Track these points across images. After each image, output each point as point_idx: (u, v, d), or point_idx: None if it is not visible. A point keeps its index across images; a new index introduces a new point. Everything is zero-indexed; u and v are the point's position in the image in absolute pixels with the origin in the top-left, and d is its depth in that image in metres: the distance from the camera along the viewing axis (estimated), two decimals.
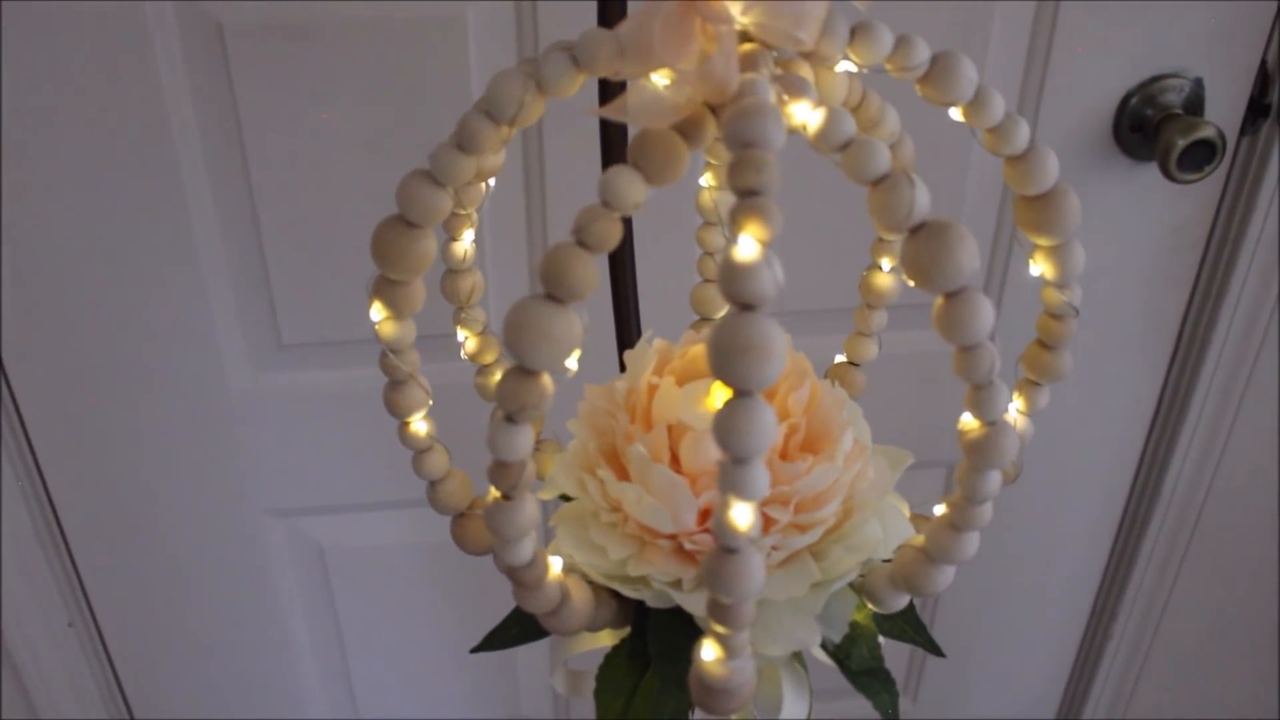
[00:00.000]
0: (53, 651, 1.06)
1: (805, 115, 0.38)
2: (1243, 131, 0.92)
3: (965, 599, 1.17)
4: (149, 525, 1.01)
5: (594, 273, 0.36)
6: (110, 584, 1.05)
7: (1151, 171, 0.91)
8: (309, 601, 1.11)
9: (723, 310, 0.60)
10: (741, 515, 0.34)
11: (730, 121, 0.35)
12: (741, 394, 0.33)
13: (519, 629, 0.53)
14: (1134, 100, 0.89)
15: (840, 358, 0.59)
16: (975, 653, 1.23)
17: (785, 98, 0.38)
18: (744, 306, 0.33)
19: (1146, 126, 0.89)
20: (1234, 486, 1.12)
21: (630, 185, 0.37)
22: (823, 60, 0.40)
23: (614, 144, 0.61)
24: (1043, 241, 0.45)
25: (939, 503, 0.50)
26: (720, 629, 0.37)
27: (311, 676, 1.16)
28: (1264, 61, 0.90)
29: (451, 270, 0.54)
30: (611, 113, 0.39)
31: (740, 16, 0.37)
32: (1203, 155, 0.86)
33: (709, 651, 0.38)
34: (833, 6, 0.38)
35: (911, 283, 0.38)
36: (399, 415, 0.49)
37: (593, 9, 0.75)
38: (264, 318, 0.92)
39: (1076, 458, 1.09)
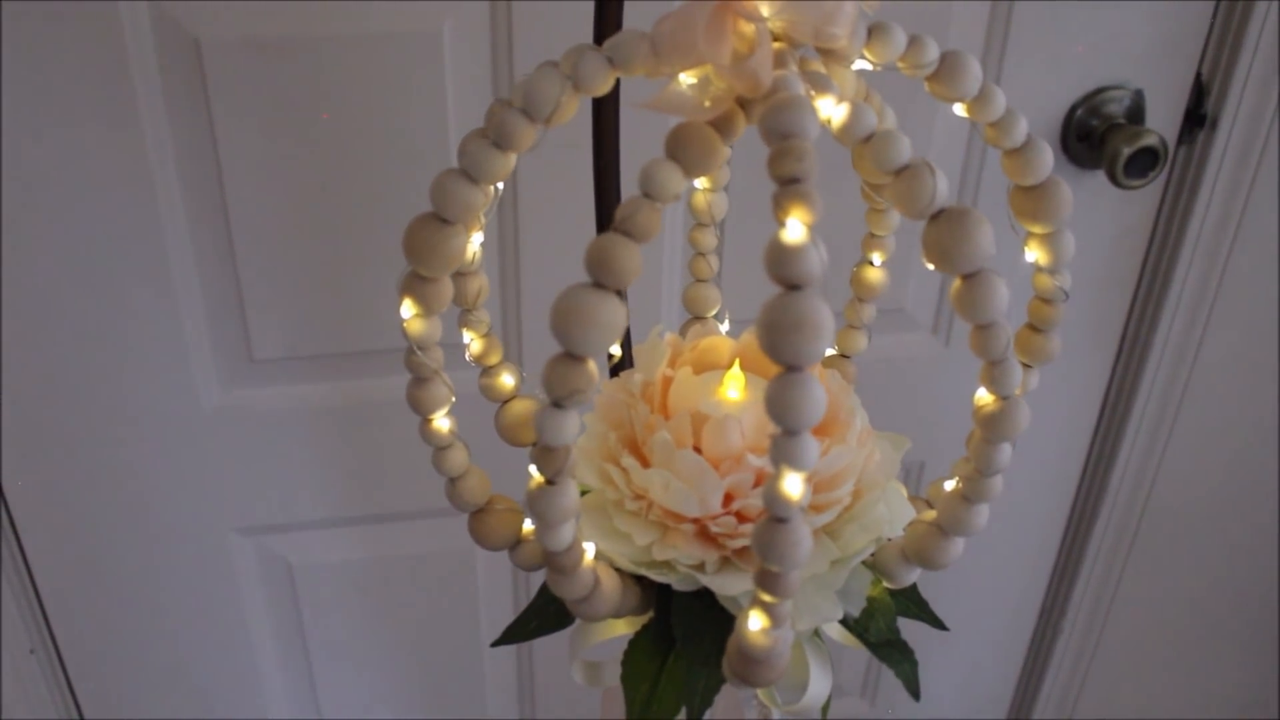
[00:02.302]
0: (13, 681, 1.04)
1: (830, 110, 0.41)
2: (1180, 140, 0.97)
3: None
4: (113, 545, 1.00)
5: (638, 261, 0.38)
6: (73, 607, 1.03)
7: (1097, 179, 0.95)
8: (277, 620, 1.10)
9: (715, 310, 0.62)
10: (793, 485, 0.36)
11: (769, 115, 0.37)
12: (792, 369, 0.35)
13: (538, 621, 0.54)
14: (1079, 112, 0.93)
15: (831, 350, 0.61)
16: (929, 654, 1.25)
17: (812, 93, 0.41)
18: (792, 286, 0.35)
19: (1092, 136, 0.93)
20: (1177, 482, 1.16)
21: (670, 177, 0.39)
22: (841, 59, 0.42)
23: (607, 147, 0.63)
24: (1037, 229, 0.48)
25: (948, 478, 0.53)
26: (768, 597, 0.38)
27: (279, 696, 1.15)
28: (1199, 74, 0.94)
29: (459, 272, 0.55)
30: (656, 106, 0.41)
31: (772, 16, 0.39)
32: (1147, 162, 0.90)
33: (755, 621, 0.39)
34: (858, 7, 0.40)
35: (931, 265, 0.40)
36: (423, 412, 0.50)
37: (569, 24, 0.78)
38: (235, 332, 0.92)
39: (1026, 457, 1.12)
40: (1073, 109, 0.93)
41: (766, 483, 0.36)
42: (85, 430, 0.93)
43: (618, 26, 0.57)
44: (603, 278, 0.38)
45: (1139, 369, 1.08)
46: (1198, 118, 0.96)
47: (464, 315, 0.56)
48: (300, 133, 0.83)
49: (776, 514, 0.37)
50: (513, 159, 0.45)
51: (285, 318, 0.92)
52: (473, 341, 0.56)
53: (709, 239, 0.60)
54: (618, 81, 0.57)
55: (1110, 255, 1.02)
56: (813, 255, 0.35)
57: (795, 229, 0.35)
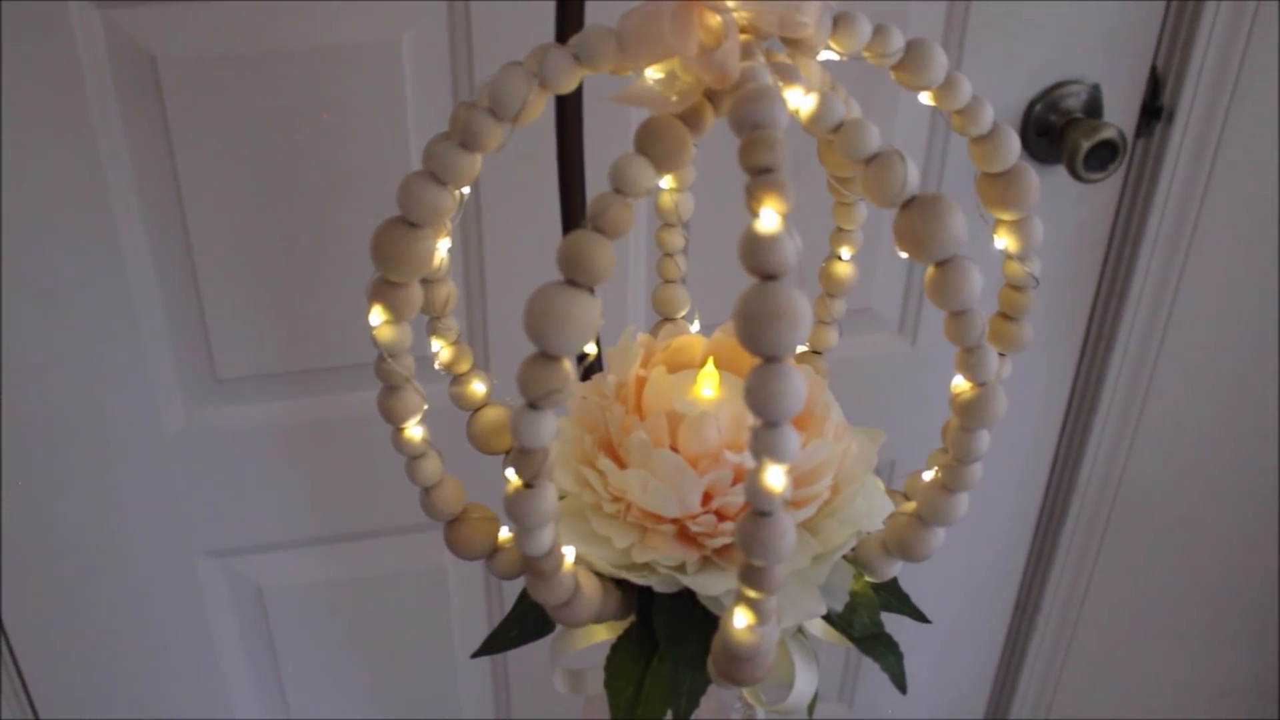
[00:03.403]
0: None
1: (799, 100, 0.41)
2: (1138, 134, 0.98)
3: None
4: (78, 571, 0.98)
5: (611, 257, 0.38)
6: (38, 635, 1.02)
7: (1058, 174, 0.96)
8: (248, 643, 1.08)
9: (684, 310, 0.62)
10: (775, 478, 0.36)
11: (738, 106, 0.37)
12: (771, 360, 0.35)
13: (519, 630, 0.53)
14: (1038, 107, 0.94)
15: (802, 347, 0.61)
16: (903, 649, 1.26)
17: (780, 84, 0.40)
18: (768, 276, 0.35)
19: (1051, 131, 0.94)
20: (1145, 475, 1.17)
21: (641, 172, 0.39)
22: (807, 50, 0.42)
23: (571, 158, 0.63)
24: (1006, 216, 0.48)
25: (926, 469, 0.53)
26: (753, 593, 0.38)
27: None
28: (1154, 67, 0.95)
29: (426, 279, 0.54)
30: (627, 99, 0.40)
31: (737, 7, 0.39)
32: (1107, 155, 0.91)
33: (740, 619, 0.39)
34: None
35: (904, 254, 0.40)
36: (395, 421, 0.49)
37: (529, 30, 0.77)
38: (198, 352, 0.90)
39: (996, 452, 1.12)
40: (1031, 104, 0.94)
41: (748, 476, 0.36)
42: (45, 454, 0.92)
43: (580, 26, 0.56)
44: (576, 275, 0.37)
45: (1104, 362, 1.09)
46: (1154, 110, 0.97)
47: (432, 323, 0.55)
48: (260, 147, 0.82)
49: (759, 507, 0.36)
50: (479, 160, 0.45)
51: (249, 336, 0.90)
52: (442, 349, 0.56)
53: (676, 239, 0.59)
54: (580, 83, 0.57)
55: (1072, 250, 1.02)
56: (788, 244, 0.35)
57: (769, 219, 0.35)
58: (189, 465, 0.95)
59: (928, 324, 1.03)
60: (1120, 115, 0.96)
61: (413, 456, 0.50)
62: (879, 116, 0.92)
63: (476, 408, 0.57)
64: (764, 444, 0.35)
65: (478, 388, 0.56)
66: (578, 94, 0.61)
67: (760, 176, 0.36)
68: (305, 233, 0.86)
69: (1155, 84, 0.96)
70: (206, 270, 0.87)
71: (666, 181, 0.58)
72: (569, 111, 0.61)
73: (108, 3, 0.76)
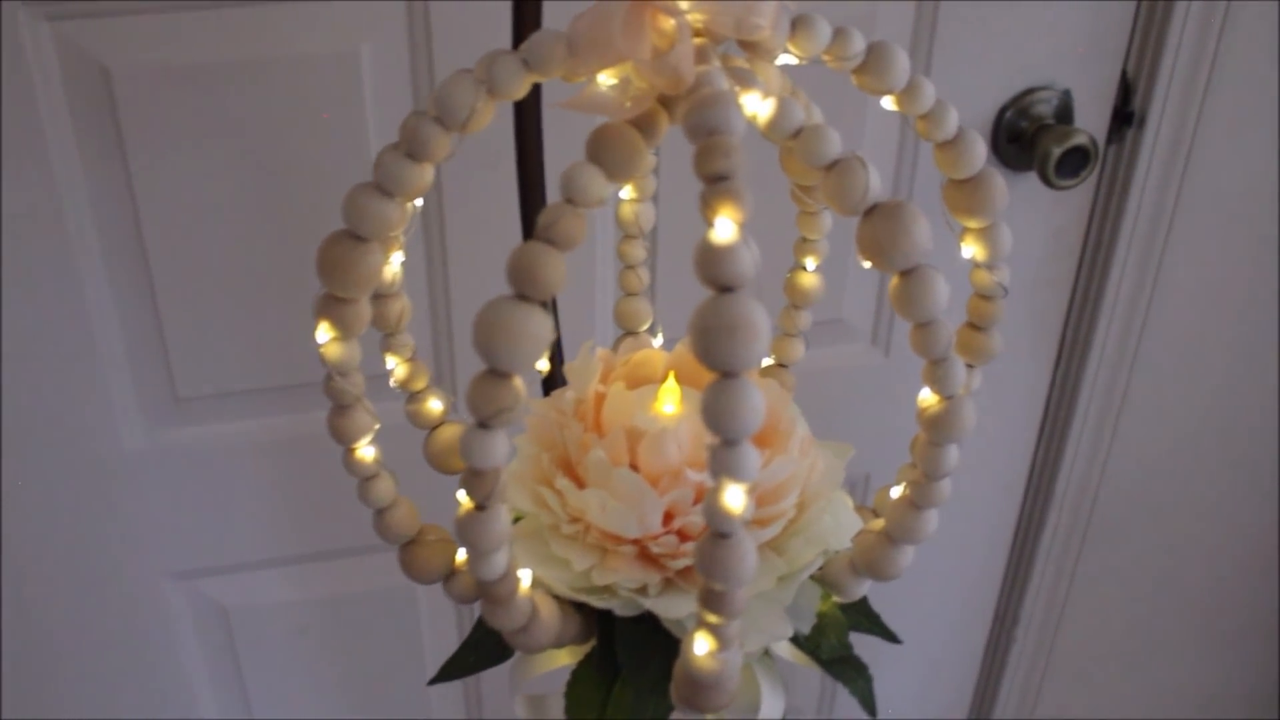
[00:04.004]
0: None
1: (756, 105, 0.39)
2: (1110, 139, 0.97)
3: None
4: (38, 594, 0.96)
5: (562, 270, 0.36)
6: None
7: (1030, 180, 0.95)
8: (213, 667, 1.06)
9: (647, 324, 0.60)
10: (735, 498, 0.34)
11: (692, 111, 0.36)
12: (728, 375, 0.33)
13: (476, 655, 0.51)
14: (1008, 113, 0.93)
15: (768, 360, 0.59)
16: (883, 664, 1.24)
17: (737, 89, 0.39)
18: (724, 288, 0.33)
19: (1022, 137, 0.93)
20: (1122, 483, 1.16)
21: (592, 181, 0.37)
22: (765, 53, 0.41)
23: (531, 166, 0.61)
24: (972, 224, 0.47)
25: (894, 486, 0.51)
26: (714, 618, 0.37)
27: None
28: (1125, 72, 0.95)
29: (380, 294, 0.53)
30: (577, 106, 0.39)
31: (691, 8, 0.38)
32: (1078, 161, 0.90)
33: (701, 645, 0.37)
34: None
35: (867, 263, 0.39)
36: (345, 441, 0.47)
37: (490, 38, 0.76)
38: (157, 370, 0.88)
39: (971, 462, 1.11)
40: (1002, 111, 0.93)
41: (707, 496, 0.35)
42: (1, 475, 0.89)
43: (537, 28, 0.55)
44: (526, 289, 0.36)
45: (1080, 370, 1.08)
46: (1125, 116, 0.96)
47: (386, 339, 0.54)
48: (218, 161, 0.81)
49: (718, 529, 0.35)
50: (429, 171, 0.43)
51: (210, 353, 0.89)
52: (397, 366, 0.54)
53: (638, 251, 0.58)
54: (538, 89, 0.56)
55: (1045, 257, 1.02)
56: (744, 255, 0.34)
57: (725, 228, 0.34)
58: (150, 485, 0.93)
59: (900, 335, 1.02)
60: (1092, 121, 0.95)
61: (364, 478, 0.49)
62: (848, 122, 0.91)
63: (433, 426, 0.55)
64: (722, 463, 0.34)
65: (434, 405, 0.54)
66: (536, 100, 0.59)
67: (715, 184, 0.35)
68: (265, 247, 0.85)
69: (1126, 89, 0.96)
70: (165, 286, 0.85)
71: (627, 192, 0.57)
72: (527, 118, 0.60)
73: (59, 17, 0.74)
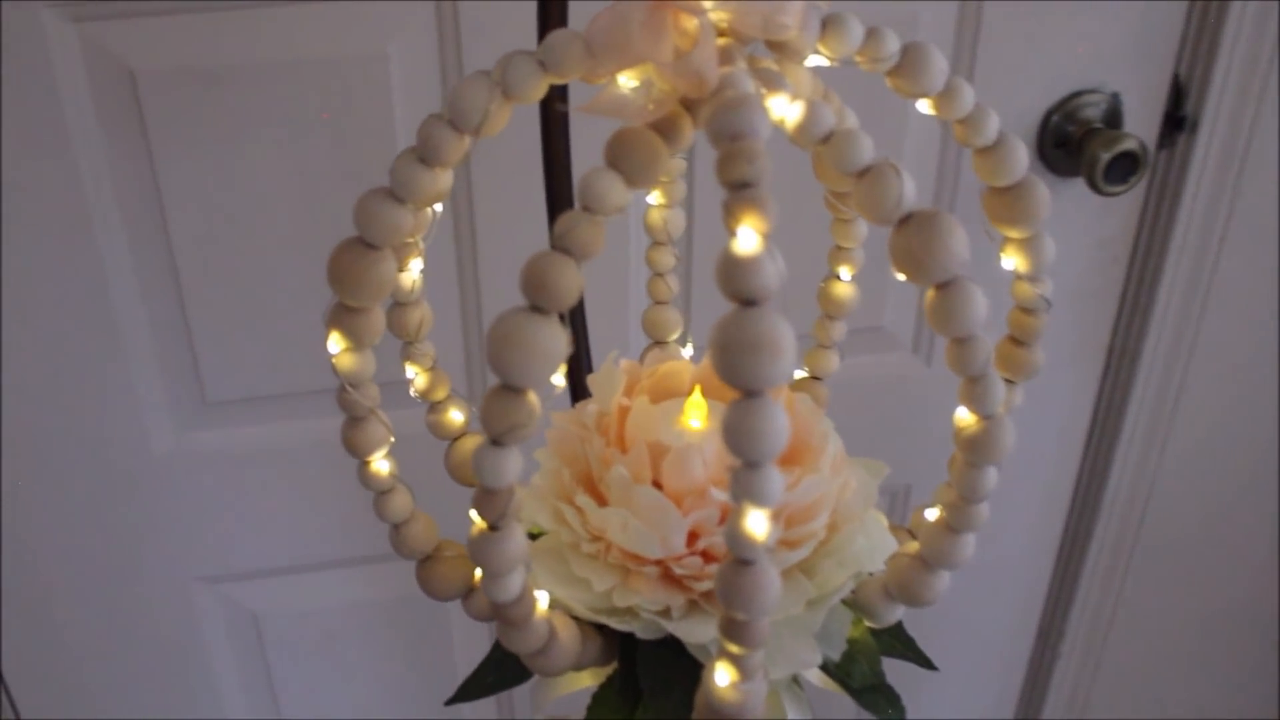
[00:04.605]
0: None
1: (784, 109, 0.37)
2: (1160, 144, 0.94)
3: (908, 627, 1.16)
4: (68, 599, 0.96)
5: (578, 281, 0.35)
6: (29, 665, 0.99)
7: (1077, 186, 0.92)
8: (244, 672, 1.05)
9: (676, 333, 0.59)
10: (757, 524, 0.32)
11: (716, 115, 0.34)
12: (751, 394, 0.32)
13: (495, 675, 0.50)
14: (1055, 117, 0.90)
15: (801, 373, 0.57)
16: (920, 684, 1.22)
17: (764, 91, 0.37)
18: (747, 302, 0.32)
19: (1069, 142, 0.90)
20: (1173, 497, 1.13)
21: (611, 187, 0.35)
22: (794, 54, 0.39)
23: (556, 159, 0.60)
24: (1014, 234, 0.45)
25: (929, 508, 0.49)
26: (735, 649, 0.35)
27: None
28: (1176, 75, 0.92)
29: (399, 303, 0.51)
30: (595, 109, 0.37)
31: (715, 7, 0.36)
32: (1127, 167, 0.87)
33: (722, 675, 0.35)
34: None
35: (901, 276, 0.37)
36: (359, 454, 0.46)
37: (521, 38, 0.74)
38: (187, 374, 0.88)
39: (1016, 477, 1.09)
40: (1048, 115, 0.90)
41: (728, 522, 0.33)
42: (31, 478, 0.89)
43: (562, 26, 0.53)
44: (540, 300, 0.34)
45: (1128, 381, 1.05)
46: (1177, 120, 0.93)
47: (406, 348, 0.52)
48: (245, 164, 0.80)
49: (740, 555, 0.33)
50: (444, 176, 0.42)
51: (238, 357, 0.88)
52: (417, 376, 0.53)
53: (667, 258, 0.56)
54: (565, 90, 0.54)
55: (1093, 265, 0.99)
56: (769, 267, 0.32)
57: (748, 238, 0.32)
58: (179, 489, 0.92)
59: (943, 344, 0.99)
60: (1142, 125, 0.92)
61: (379, 492, 0.47)
62: (888, 126, 0.89)
63: (454, 437, 0.54)
64: (744, 486, 0.32)
65: (455, 416, 0.53)
66: (562, 101, 0.58)
67: (738, 192, 0.33)
68: (293, 250, 0.84)
69: (1178, 92, 0.93)
70: (193, 289, 0.84)
71: (655, 197, 0.55)
72: (553, 121, 0.58)
73: (85, 18, 0.73)
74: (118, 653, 1.01)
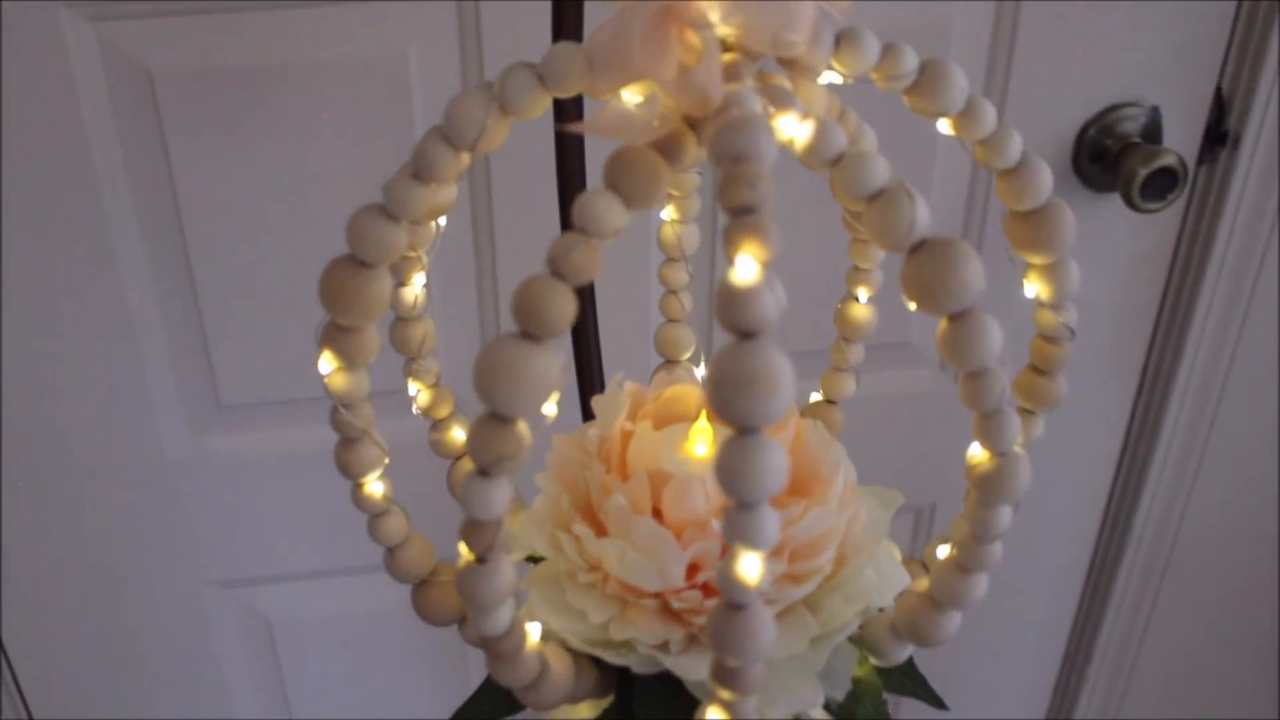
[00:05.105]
0: None
1: (793, 129, 0.36)
2: (1200, 160, 0.92)
3: (932, 651, 1.13)
4: (80, 603, 0.96)
5: (572, 307, 0.33)
6: (42, 669, 0.99)
7: (1113, 202, 0.90)
8: (257, 678, 1.05)
9: (688, 352, 0.57)
10: (750, 567, 0.31)
11: (718, 135, 0.32)
12: (746, 431, 0.30)
13: (490, 704, 0.48)
14: (1092, 131, 0.88)
15: (816, 396, 0.56)
16: (948, 699, 1.20)
17: (771, 110, 0.35)
18: (744, 335, 0.30)
19: (1106, 156, 0.88)
20: (1206, 521, 1.10)
21: (609, 209, 0.34)
22: (806, 71, 0.37)
23: (570, 174, 0.58)
24: (1036, 260, 0.43)
25: (940, 544, 0.47)
26: (727, 694, 0.33)
27: None
28: (1219, 89, 0.89)
29: (401, 318, 0.50)
30: (589, 128, 0.35)
31: (721, 22, 0.34)
32: (1165, 183, 0.85)
33: (715, 718, 0.34)
34: (819, 10, 0.35)
35: (913, 305, 0.35)
36: (353, 476, 0.45)
37: (544, 43, 0.73)
38: (201, 377, 0.87)
39: (1043, 497, 1.07)
40: (1085, 128, 0.88)
41: (719, 565, 0.31)
42: (44, 479, 0.89)
43: (578, 35, 0.52)
44: (531, 326, 0.33)
45: (1163, 402, 1.02)
46: (1219, 135, 0.90)
47: (409, 364, 0.51)
48: (262, 167, 0.79)
49: (732, 599, 0.32)
50: (442, 191, 0.40)
51: (253, 361, 0.87)
52: (420, 393, 0.51)
53: (680, 275, 0.55)
54: (579, 101, 0.53)
55: (1128, 282, 0.96)
56: (767, 298, 0.30)
57: (747, 267, 0.30)
58: (193, 493, 0.92)
59: None
60: (1182, 140, 0.90)
61: (373, 514, 0.46)
62: (918, 145, 0.86)
63: (457, 456, 0.52)
64: (736, 528, 0.31)
65: (458, 435, 0.52)
66: (577, 113, 0.56)
67: (739, 217, 0.31)
68: (310, 254, 0.83)
69: (1220, 107, 0.90)
70: (208, 292, 0.83)
71: (669, 213, 0.54)
72: (567, 135, 0.57)
73: (102, 18, 0.72)
74: (130, 656, 1.00)
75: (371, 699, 1.09)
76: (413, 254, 0.48)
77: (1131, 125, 0.88)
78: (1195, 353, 0.99)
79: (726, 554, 0.31)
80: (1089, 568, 1.15)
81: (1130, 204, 0.86)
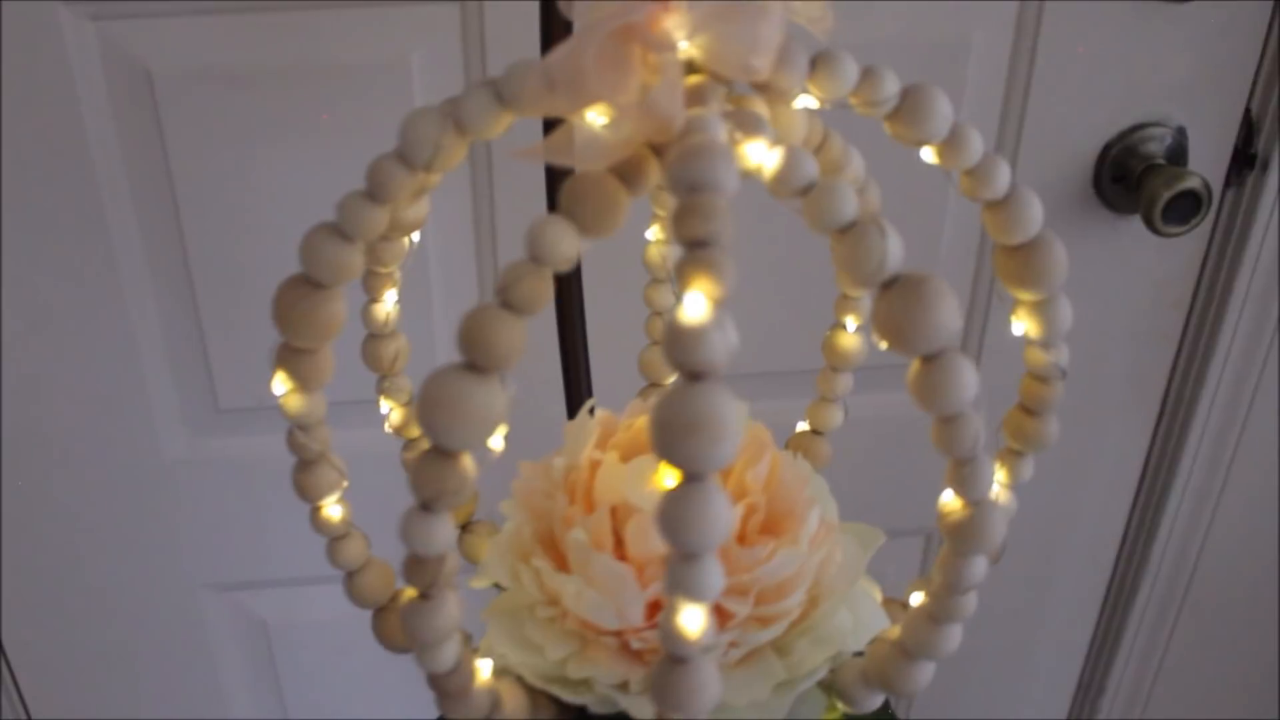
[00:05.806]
0: None
1: (761, 156, 0.34)
2: (1227, 183, 0.89)
3: (943, 679, 1.11)
4: (76, 606, 0.95)
5: (520, 338, 0.32)
6: (39, 672, 0.99)
7: (1134, 225, 0.87)
8: (253, 681, 1.04)
9: (673, 376, 0.56)
10: (692, 620, 0.29)
11: (675, 163, 0.31)
12: (690, 478, 0.29)
13: None
14: (1115, 150, 0.85)
15: (803, 426, 0.54)
16: None
17: (738, 136, 0.34)
18: (692, 375, 0.28)
19: (1128, 178, 0.85)
20: (1226, 553, 1.08)
21: (561, 237, 0.32)
22: (780, 95, 0.35)
23: (559, 191, 0.57)
24: (1025, 296, 0.41)
25: (916, 589, 0.45)
26: None
27: None
28: (1248, 110, 0.86)
29: (373, 335, 0.49)
30: (534, 155, 0.34)
31: (685, 43, 0.33)
32: (1188, 207, 0.82)
33: None
34: (790, 34, 0.34)
35: (884, 345, 0.33)
36: (310, 499, 0.44)
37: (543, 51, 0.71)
38: (200, 380, 0.86)
39: (1059, 527, 1.04)
40: (1107, 148, 0.85)
41: (661, 615, 0.30)
42: (42, 481, 0.88)
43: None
44: (478, 358, 0.31)
45: (1183, 432, 0.99)
46: (1246, 158, 0.88)
47: (381, 382, 0.50)
48: (262, 168, 0.78)
49: (672, 653, 0.30)
50: (410, 208, 0.39)
51: (252, 364, 0.86)
52: (392, 411, 0.50)
53: (665, 297, 0.53)
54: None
55: (1150, 308, 0.93)
56: (716, 339, 0.28)
57: (696, 305, 0.29)
58: (190, 496, 0.91)
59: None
60: (1208, 162, 0.87)
61: (332, 538, 0.45)
62: (934, 171, 0.84)
63: None
64: (677, 579, 0.29)
65: None
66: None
67: (692, 251, 0.30)
68: None
69: (1249, 128, 0.87)
70: (207, 295, 0.82)
71: (654, 233, 0.52)
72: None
73: (103, 17, 0.72)
74: (128, 657, 1.00)
75: (367, 702, 1.09)
76: (383, 270, 0.46)
77: (1156, 146, 0.85)
78: (1217, 383, 0.96)
79: (667, 607, 0.30)
80: (1104, 598, 1.13)
81: (1151, 227, 0.83)
